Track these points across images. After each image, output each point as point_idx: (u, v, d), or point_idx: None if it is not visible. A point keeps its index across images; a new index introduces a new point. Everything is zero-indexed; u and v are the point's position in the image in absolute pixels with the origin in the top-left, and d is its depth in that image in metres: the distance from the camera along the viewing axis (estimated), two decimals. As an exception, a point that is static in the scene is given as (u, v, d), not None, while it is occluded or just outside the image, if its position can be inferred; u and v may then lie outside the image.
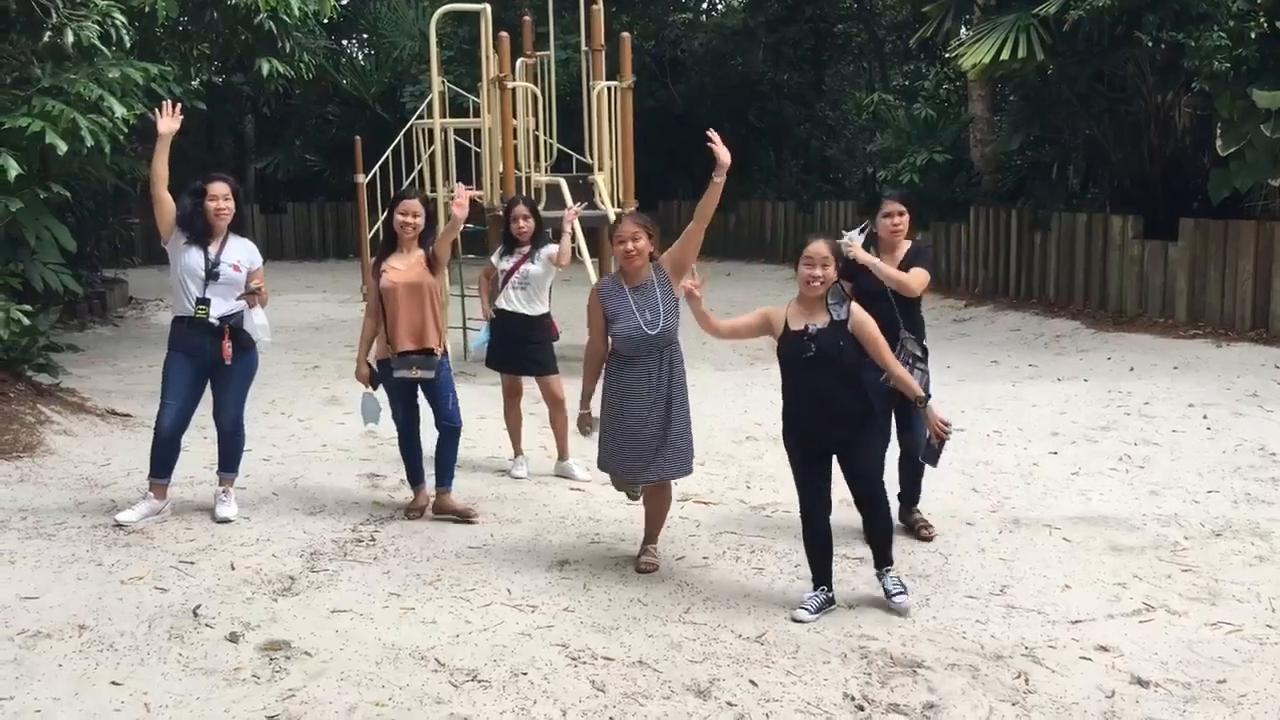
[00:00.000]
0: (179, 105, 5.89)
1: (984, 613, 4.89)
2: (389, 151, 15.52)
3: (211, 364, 5.93)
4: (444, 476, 6.15)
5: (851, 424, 4.83)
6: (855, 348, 4.81)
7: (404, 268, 5.99)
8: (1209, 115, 12.00)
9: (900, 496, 5.92)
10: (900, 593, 4.92)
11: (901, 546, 5.63)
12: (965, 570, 5.39)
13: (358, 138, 16.61)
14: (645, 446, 5.20)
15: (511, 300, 6.99)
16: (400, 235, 6.00)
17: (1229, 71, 10.84)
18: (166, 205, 5.84)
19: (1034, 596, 5.07)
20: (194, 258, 5.85)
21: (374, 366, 6.16)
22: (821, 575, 4.95)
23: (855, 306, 4.88)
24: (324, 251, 22.31)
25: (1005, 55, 12.04)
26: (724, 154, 5.09)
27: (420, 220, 5.97)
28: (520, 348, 6.98)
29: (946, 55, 15.30)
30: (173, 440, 6.00)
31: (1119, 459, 7.33)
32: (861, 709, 4.04)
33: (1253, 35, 10.76)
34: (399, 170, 15.22)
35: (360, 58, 24.24)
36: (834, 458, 4.94)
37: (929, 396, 5.10)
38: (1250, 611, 4.91)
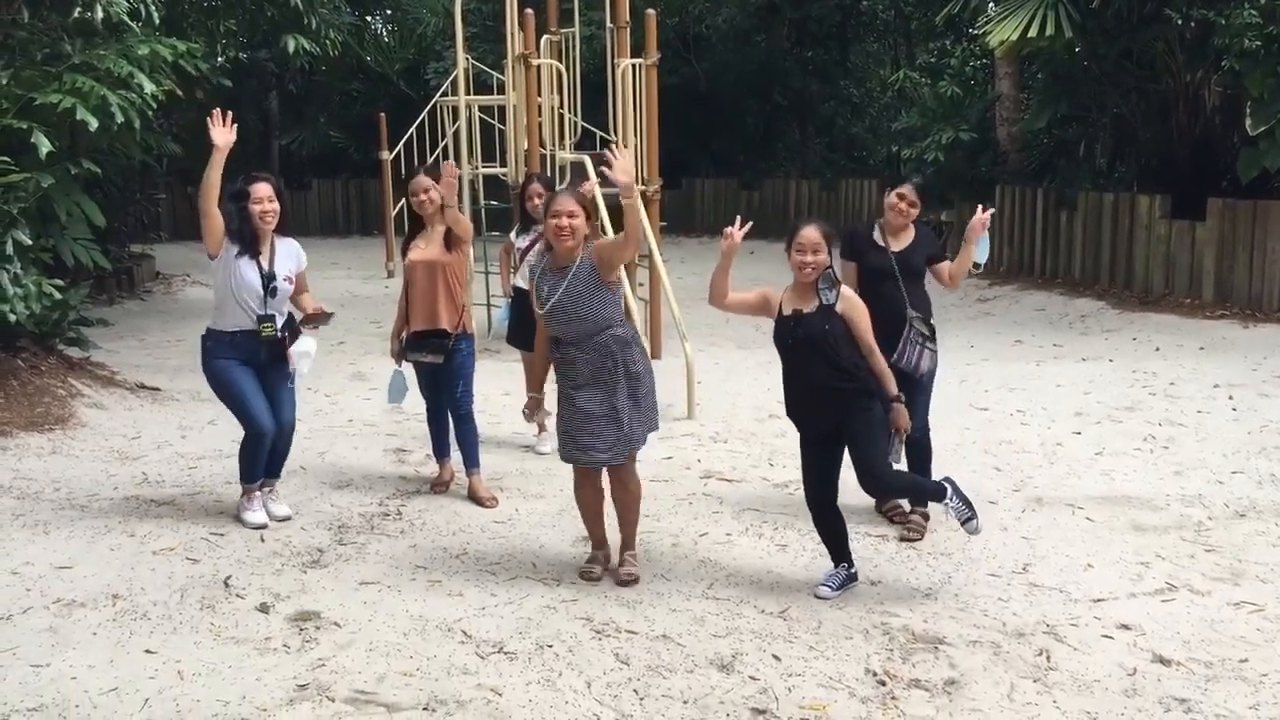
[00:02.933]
0: (230, 115, 5.44)
1: (1006, 591, 4.91)
2: (413, 128, 15.60)
3: (263, 366, 5.62)
4: (467, 459, 6.18)
5: (843, 406, 4.76)
6: (844, 331, 4.76)
7: (424, 245, 6.03)
8: (1239, 94, 11.89)
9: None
10: (970, 518, 4.85)
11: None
12: (988, 548, 5.41)
13: (382, 114, 16.71)
14: (596, 428, 4.84)
15: (529, 278, 7.00)
16: (420, 213, 6.02)
17: (1260, 50, 10.74)
18: (216, 221, 5.41)
19: (1056, 575, 5.09)
20: (249, 275, 5.46)
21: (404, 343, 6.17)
22: (839, 554, 4.97)
23: (846, 291, 4.85)
24: (348, 228, 22.39)
25: (1033, 32, 11.98)
26: (620, 175, 4.60)
27: (436, 195, 5.91)
28: None
29: (973, 32, 15.20)
30: (269, 439, 5.64)
31: (1143, 439, 7.32)
32: (883, 684, 4.07)
33: (1284, 13, 10.66)
34: (423, 146, 15.28)
35: (384, 34, 24.27)
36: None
37: (902, 397, 4.92)
38: (1273, 591, 4.90)
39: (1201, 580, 5.04)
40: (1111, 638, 4.46)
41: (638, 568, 5.07)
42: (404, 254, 6.16)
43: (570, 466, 5.08)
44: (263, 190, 5.48)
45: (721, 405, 8.31)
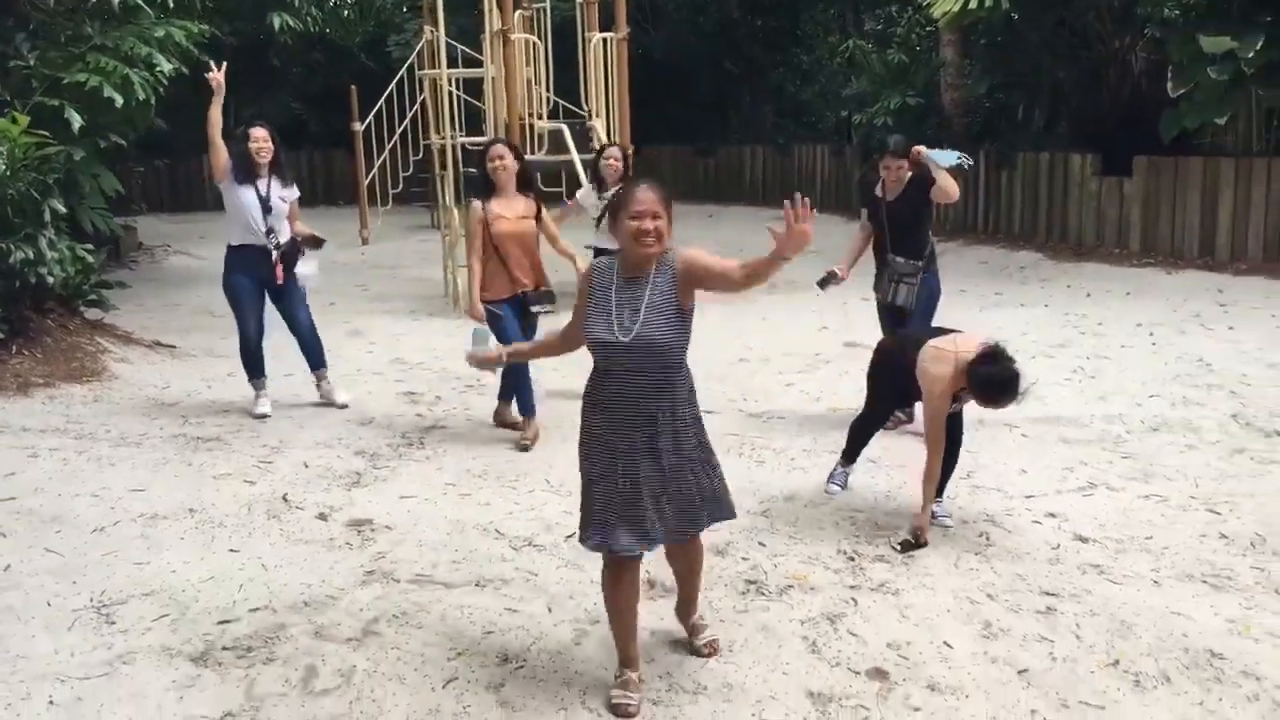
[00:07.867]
0: (225, 65, 7.01)
1: (953, 491, 5.74)
2: (382, 100, 16.15)
3: (266, 283, 7.07)
4: (523, 407, 6.69)
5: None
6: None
7: (512, 216, 6.43)
8: (1162, 60, 12.84)
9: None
10: (946, 515, 5.47)
11: (880, 442, 6.50)
12: (937, 460, 6.26)
13: (353, 86, 17.14)
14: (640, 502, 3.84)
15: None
16: (496, 179, 6.40)
17: (1178, 18, 11.67)
18: (222, 150, 6.92)
19: (995, 479, 5.96)
20: (249, 196, 6.97)
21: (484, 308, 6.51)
22: (852, 455, 5.81)
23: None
24: (314, 198, 22.79)
25: (973, 4, 12.84)
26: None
27: (510, 161, 6.42)
28: None
29: (919, 3, 16.01)
30: (260, 344, 7.18)
31: (1073, 370, 8.23)
32: (852, 559, 4.91)
33: (1201, -16, 11.57)
34: (392, 117, 15.84)
35: (342, 7, 24.61)
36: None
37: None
38: (1178, 488, 5.81)
39: (1118, 480, 5.94)
40: (1040, 523, 5.34)
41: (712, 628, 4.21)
42: (481, 218, 6.38)
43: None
44: (259, 133, 6.98)
45: (692, 351, 9.07)
